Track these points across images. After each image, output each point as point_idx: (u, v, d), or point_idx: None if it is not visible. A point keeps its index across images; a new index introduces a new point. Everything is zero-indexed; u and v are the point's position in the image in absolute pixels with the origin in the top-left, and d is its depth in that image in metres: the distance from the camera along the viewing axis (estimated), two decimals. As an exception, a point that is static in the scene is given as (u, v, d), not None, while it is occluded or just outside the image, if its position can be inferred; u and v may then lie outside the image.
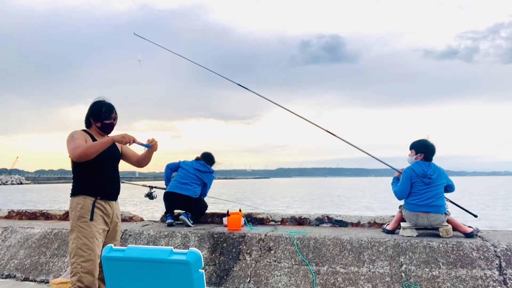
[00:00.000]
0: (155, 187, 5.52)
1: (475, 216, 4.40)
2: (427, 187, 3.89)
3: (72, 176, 2.82)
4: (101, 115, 2.83)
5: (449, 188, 4.03)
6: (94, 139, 2.79)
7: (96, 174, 2.75)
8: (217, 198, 7.75)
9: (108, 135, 2.92)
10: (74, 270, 2.60)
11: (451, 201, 4.22)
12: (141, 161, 3.04)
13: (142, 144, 2.83)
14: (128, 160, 3.05)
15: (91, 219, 2.68)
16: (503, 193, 36.06)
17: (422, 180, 3.89)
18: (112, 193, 2.86)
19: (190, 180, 4.99)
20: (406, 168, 4.05)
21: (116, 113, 2.91)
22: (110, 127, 2.89)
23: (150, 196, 5.40)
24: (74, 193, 2.76)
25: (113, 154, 2.86)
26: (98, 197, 2.75)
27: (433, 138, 4.07)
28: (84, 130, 2.85)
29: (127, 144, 2.73)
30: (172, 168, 5.21)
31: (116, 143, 2.82)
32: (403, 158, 4.22)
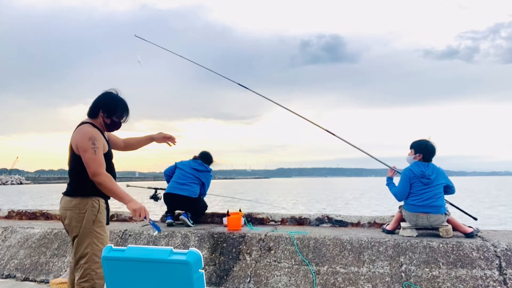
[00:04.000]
0: (160, 189, 5.51)
1: (475, 219, 4.42)
2: (426, 188, 3.88)
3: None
4: (116, 112, 2.66)
5: (449, 189, 4.02)
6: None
7: None
8: (219, 195, 7.80)
9: (111, 132, 2.80)
10: (88, 276, 2.52)
11: (451, 203, 4.21)
12: (131, 145, 2.94)
13: (152, 224, 2.58)
14: (115, 146, 2.88)
15: (107, 223, 2.65)
16: (503, 193, 36.04)
17: (420, 181, 3.89)
18: None
19: (188, 180, 4.96)
20: (405, 169, 4.05)
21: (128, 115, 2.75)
22: (117, 127, 2.75)
23: (155, 198, 5.39)
24: (84, 194, 2.57)
25: (112, 153, 2.78)
26: (107, 198, 2.68)
27: (434, 139, 4.06)
28: (92, 124, 2.63)
29: (138, 220, 2.59)
30: (169, 173, 5.16)
31: (104, 134, 2.67)
32: (403, 158, 4.22)
